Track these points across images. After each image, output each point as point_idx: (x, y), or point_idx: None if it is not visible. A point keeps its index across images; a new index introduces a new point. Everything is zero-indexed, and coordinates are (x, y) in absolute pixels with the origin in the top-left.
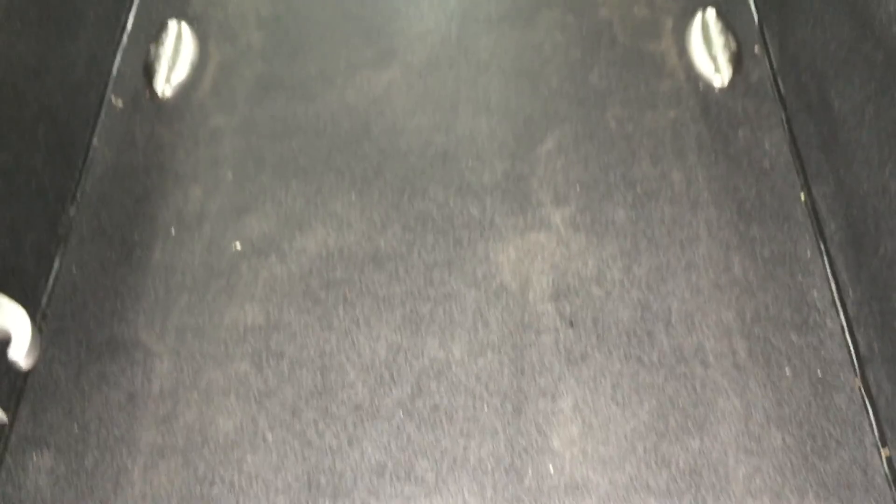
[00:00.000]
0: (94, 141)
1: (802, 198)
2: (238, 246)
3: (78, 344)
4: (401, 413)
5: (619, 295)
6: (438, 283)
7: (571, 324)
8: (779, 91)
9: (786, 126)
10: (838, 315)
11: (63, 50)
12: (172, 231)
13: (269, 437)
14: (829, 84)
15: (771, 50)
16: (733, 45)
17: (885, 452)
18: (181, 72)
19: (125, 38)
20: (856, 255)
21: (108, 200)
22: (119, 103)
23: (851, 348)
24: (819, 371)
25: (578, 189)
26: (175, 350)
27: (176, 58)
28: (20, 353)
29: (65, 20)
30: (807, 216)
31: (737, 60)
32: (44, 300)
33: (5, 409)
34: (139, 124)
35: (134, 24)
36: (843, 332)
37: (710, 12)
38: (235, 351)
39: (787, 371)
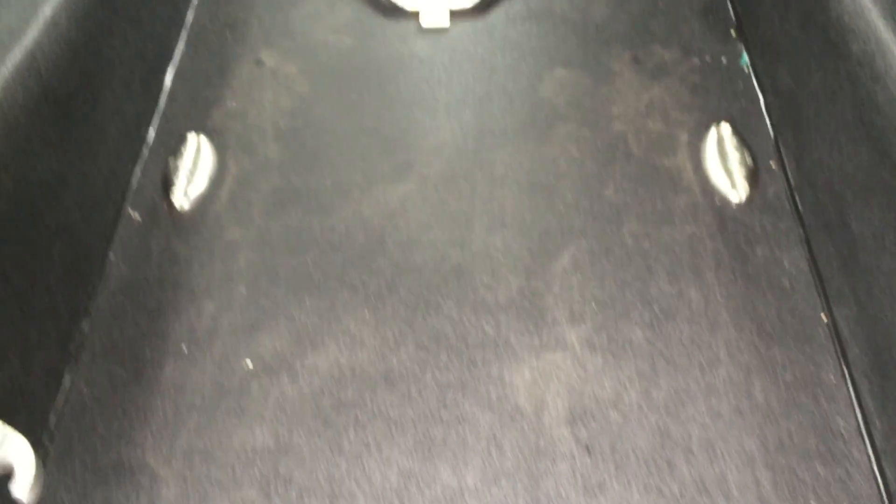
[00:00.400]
0: (110, 255)
1: (824, 319)
2: (249, 364)
3: (83, 467)
4: None
5: (638, 420)
6: (452, 406)
7: (588, 450)
8: (797, 208)
9: (805, 244)
10: (865, 445)
11: (82, 167)
12: (184, 348)
13: None
14: (848, 206)
15: (787, 166)
16: (749, 160)
17: None
18: (199, 185)
19: (145, 151)
20: (881, 382)
21: (121, 316)
22: (136, 217)
23: (880, 482)
24: None
25: (594, 307)
26: (182, 475)
27: (194, 171)
28: (23, 490)
29: (85, 138)
30: (829, 339)
31: (753, 176)
32: (51, 420)
33: None
34: (155, 238)
35: (154, 138)
36: (871, 464)
37: (725, 127)
38: (243, 476)
39: None
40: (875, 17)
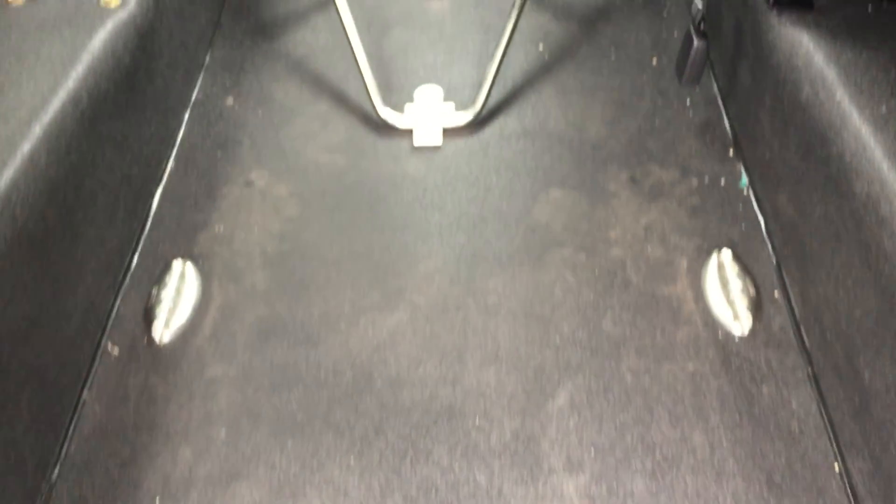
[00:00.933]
0: (85, 395)
1: (837, 468)
2: None
3: None
4: None
5: None
6: None
7: None
8: (803, 343)
9: (813, 383)
10: None
11: (58, 306)
12: (157, 501)
13: None
14: (858, 351)
15: (792, 297)
16: (752, 289)
17: None
18: (182, 315)
19: (128, 279)
20: None
21: (92, 464)
22: (115, 351)
23: None
24: None
25: (593, 453)
26: None
27: (178, 300)
28: None
29: (63, 275)
30: (842, 492)
31: (756, 307)
32: None
33: None
34: (133, 375)
35: (138, 265)
36: None
37: (726, 252)
38: None
39: None
40: (879, 158)
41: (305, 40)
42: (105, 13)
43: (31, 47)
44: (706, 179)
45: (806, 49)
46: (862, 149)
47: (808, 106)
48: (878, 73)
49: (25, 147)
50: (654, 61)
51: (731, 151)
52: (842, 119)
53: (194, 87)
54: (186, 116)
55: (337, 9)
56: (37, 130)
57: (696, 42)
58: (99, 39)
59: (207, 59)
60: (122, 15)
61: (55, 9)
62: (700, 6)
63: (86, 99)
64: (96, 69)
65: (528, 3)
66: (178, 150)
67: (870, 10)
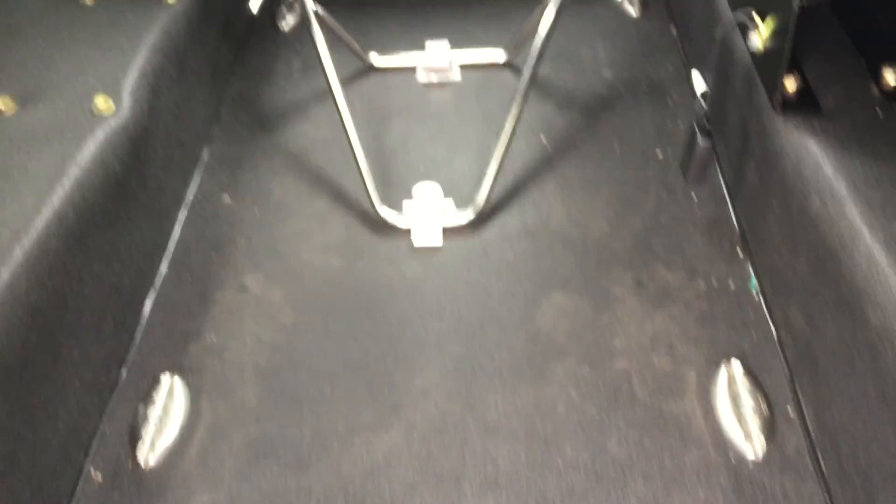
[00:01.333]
0: None
1: None
2: None
3: None
4: None
5: None
6: None
7: None
8: (820, 469)
9: None
10: None
11: (39, 436)
12: None
13: None
14: (877, 490)
15: (807, 416)
16: (764, 406)
17: None
18: (168, 436)
19: (114, 395)
20: None
21: None
22: (98, 477)
23: None
24: None
25: None
26: None
27: (164, 419)
28: None
29: (43, 402)
30: None
31: (769, 426)
32: None
33: None
34: None
35: (125, 379)
36: None
37: (736, 364)
38: None
39: None
40: (895, 286)
41: (305, 133)
42: (97, 121)
43: (18, 162)
44: (714, 282)
45: (814, 158)
46: (874, 272)
47: (817, 219)
48: (889, 189)
49: (4, 274)
50: (660, 154)
51: (739, 251)
52: (853, 238)
53: (190, 185)
54: (181, 217)
55: (335, 102)
56: (18, 255)
57: (700, 141)
58: (88, 151)
59: (205, 154)
60: (114, 123)
61: (46, 118)
62: (704, 105)
63: (72, 215)
64: (84, 182)
65: (528, 93)
66: (171, 252)
67: (879, 113)
